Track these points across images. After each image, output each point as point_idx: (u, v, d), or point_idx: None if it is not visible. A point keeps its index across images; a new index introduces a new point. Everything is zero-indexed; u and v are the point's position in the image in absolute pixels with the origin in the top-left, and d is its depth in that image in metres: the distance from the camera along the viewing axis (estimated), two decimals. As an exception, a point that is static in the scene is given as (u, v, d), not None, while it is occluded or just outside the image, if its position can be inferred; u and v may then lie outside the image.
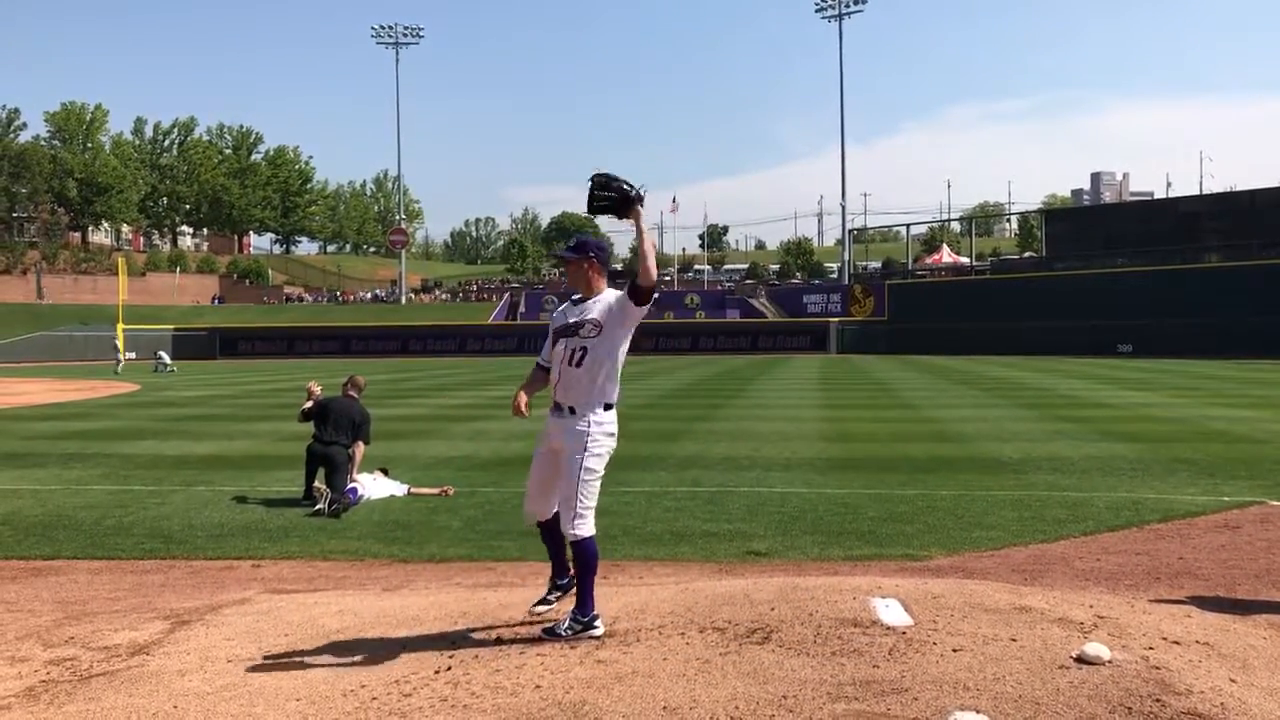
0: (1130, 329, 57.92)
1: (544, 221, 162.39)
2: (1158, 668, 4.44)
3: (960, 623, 5.14)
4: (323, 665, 4.98)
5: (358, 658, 5.07)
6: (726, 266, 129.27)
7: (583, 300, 5.50)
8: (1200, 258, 61.05)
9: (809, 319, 78.75)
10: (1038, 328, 59.27)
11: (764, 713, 4.07)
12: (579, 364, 5.37)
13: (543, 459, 5.56)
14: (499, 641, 5.22)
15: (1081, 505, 10.29)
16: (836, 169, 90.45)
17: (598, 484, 5.41)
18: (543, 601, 5.74)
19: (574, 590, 5.48)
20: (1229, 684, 4.33)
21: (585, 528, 5.32)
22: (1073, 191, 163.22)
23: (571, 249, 5.58)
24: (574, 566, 5.46)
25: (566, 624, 5.31)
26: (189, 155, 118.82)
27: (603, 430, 5.41)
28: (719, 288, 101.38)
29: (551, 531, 5.64)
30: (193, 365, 57.17)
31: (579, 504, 5.31)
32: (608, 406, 5.43)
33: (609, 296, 5.43)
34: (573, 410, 5.39)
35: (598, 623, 5.33)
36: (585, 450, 5.33)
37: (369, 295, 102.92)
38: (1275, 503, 10.37)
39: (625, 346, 5.47)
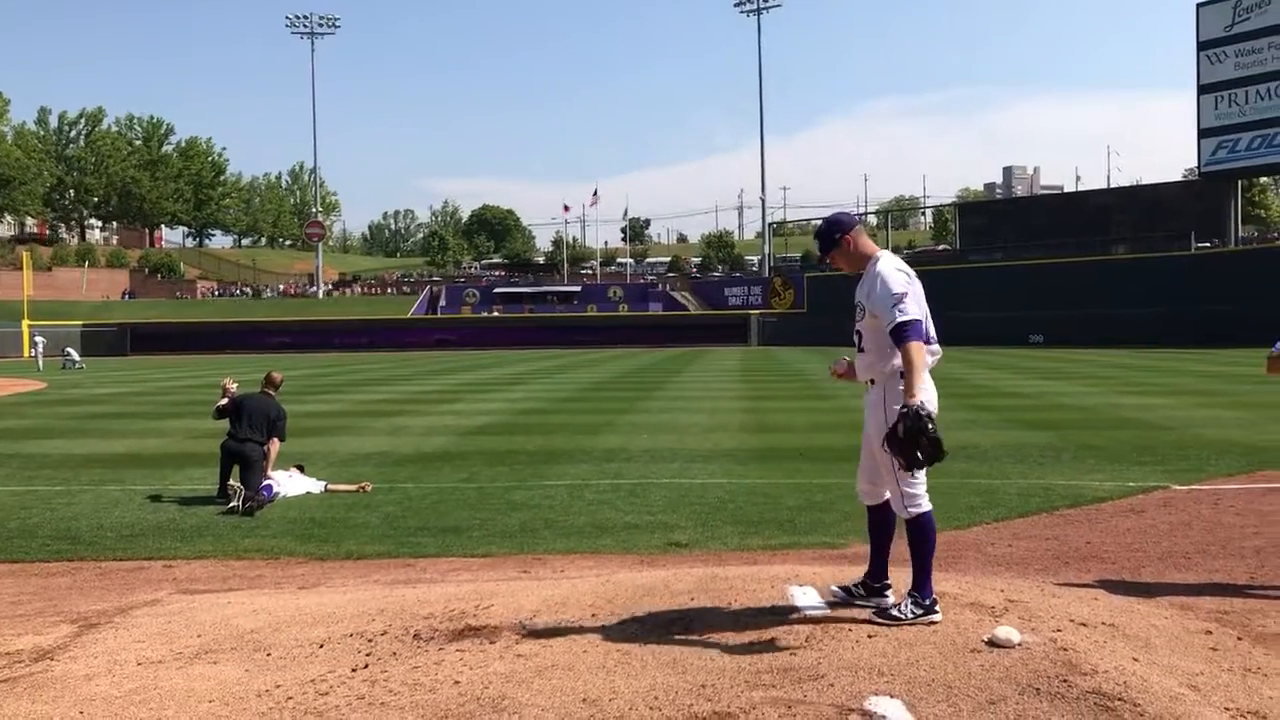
0: (1041, 319, 59.38)
1: (464, 214, 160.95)
2: (1065, 649, 4.56)
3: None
4: (236, 666, 4.88)
5: (272, 657, 4.98)
6: (649, 259, 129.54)
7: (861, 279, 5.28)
8: (1109, 249, 62.74)
9: (730, 311, 79.28)
10: (952, 319, 59.50)
11: (683, 702, 4.09)
12: (861, 348, 5.26)
13: (865, 440, 5.39)
14: (417, 638, 5.17)
15: (993, 492, 10.51)
16: (757, 162, 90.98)
17: None
18: (846, 591, 5.45)
19: (881, 593, 5.34)
20: (1132, 663, 4.46)
21: (915, 505, 5.14)
22: (985, 185, 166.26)
23: (824, 248, 5.41)
24: (910, 545, 5.19)
25: (908, 606, 5.07)
26: (97, 146, 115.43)
27: (901, 402, 5.00)
28: (642, 280, 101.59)
29: (876, 522, 5.48)
30: (103, 362, 55.72)
31: (900, 483, 5.12)
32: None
33: (870, 276, 5.17)
34: (872, 382, 5.23)
35: (938, 609, 5.08)
36: (887, 424, 5.01)
37: (321, 290, 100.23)
38: (1178, 487, 10.70)
39: None
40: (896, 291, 5.00)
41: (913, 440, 4.78)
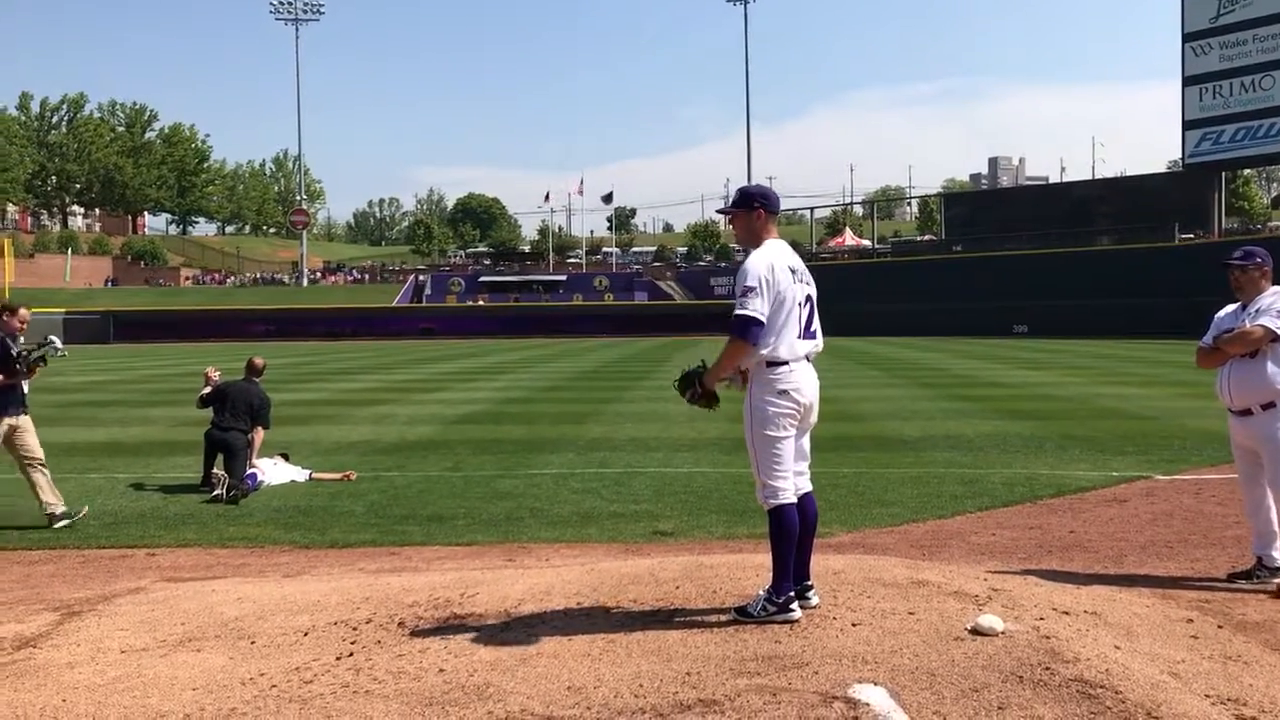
0: (1026, 310, 59.51)
1: (450, 202, 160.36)
2: (1048, 637, 4.58)
3: (860, 598, 5.24)
4: (220, 653, 4.87)
5: (256, 645, 4.97)
6: (635, 249, 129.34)
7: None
8: (1092, 240, 62.91)
9: (716, 301, 79.22)
10: (936, 309, 60.47)
11: (668, 690, 4.10)
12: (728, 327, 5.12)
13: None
14: (402, 626, 5.17)
15: (978, 481, 10.55)
16: (744, 152, 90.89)
17: (776, 448, 5.03)
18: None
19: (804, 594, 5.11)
20: (1114, 651, 4.48)
21: (774, 496, 5.04)
22: (971, 176, 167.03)
23: (736, 203, 5.25)
24: (770, 538, 5.09)
25: (760, 605, 4.94)
26: (79, 133, 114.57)
27: (764, 391, 5.04)
28: (628, 270, 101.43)
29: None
30: (85, 350, 55.35)
31: (759, 472, 5.09)
32: (772, 364, 5.02)
33: (747, 260, 5.07)
34: (744, 373, 5.16)
35: (794, 606, 4.91)
36: (750, 414, 5.09)
37: (305, 278, 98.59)
38: (1160, 477, 10.77)
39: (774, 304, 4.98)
40: (748, 284, 4.95)
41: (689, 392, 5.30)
